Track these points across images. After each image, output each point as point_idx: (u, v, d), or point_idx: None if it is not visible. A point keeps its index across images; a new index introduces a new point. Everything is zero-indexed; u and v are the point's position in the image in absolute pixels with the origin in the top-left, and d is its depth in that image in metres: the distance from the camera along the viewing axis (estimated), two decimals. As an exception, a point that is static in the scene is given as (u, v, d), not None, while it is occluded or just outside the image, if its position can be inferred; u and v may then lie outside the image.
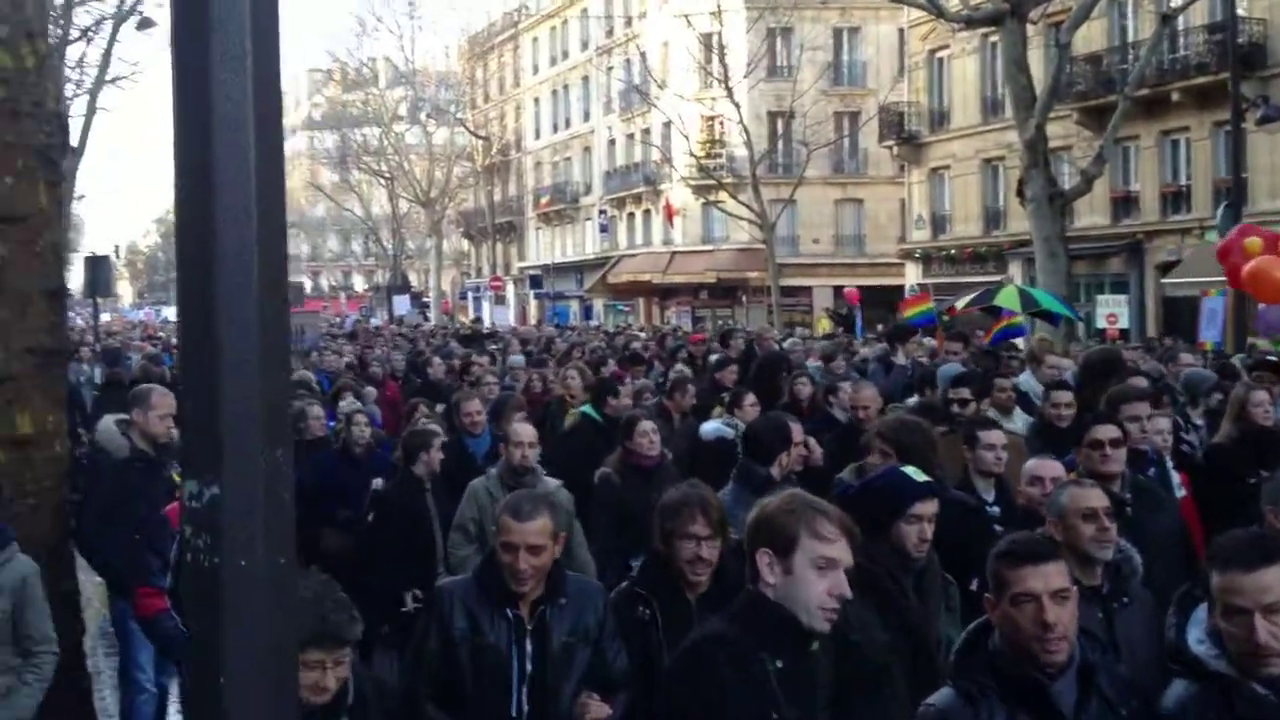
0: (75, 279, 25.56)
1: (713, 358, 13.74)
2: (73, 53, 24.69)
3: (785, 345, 16.20)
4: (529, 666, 3.97)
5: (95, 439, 7.06)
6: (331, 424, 9.40)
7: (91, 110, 27.21)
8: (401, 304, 50.30)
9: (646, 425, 7.20)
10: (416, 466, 7.23)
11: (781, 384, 9.88)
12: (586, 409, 9.18)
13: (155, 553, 5.45)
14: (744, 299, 45.04)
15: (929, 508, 4.02)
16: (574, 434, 9.00)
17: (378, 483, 7.92)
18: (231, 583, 1.69)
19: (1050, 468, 5.09)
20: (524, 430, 6.69)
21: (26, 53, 4.52)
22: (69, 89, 23.59)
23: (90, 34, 25.08)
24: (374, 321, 47.12)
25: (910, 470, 4.17)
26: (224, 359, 1.71)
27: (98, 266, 24.26)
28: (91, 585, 9.40)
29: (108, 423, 6.35)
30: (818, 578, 3.16)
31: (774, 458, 5.82)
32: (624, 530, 6.50)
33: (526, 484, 6.16)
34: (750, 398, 8.52)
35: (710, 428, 8.07)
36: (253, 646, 1.72)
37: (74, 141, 23.74)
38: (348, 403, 10.27)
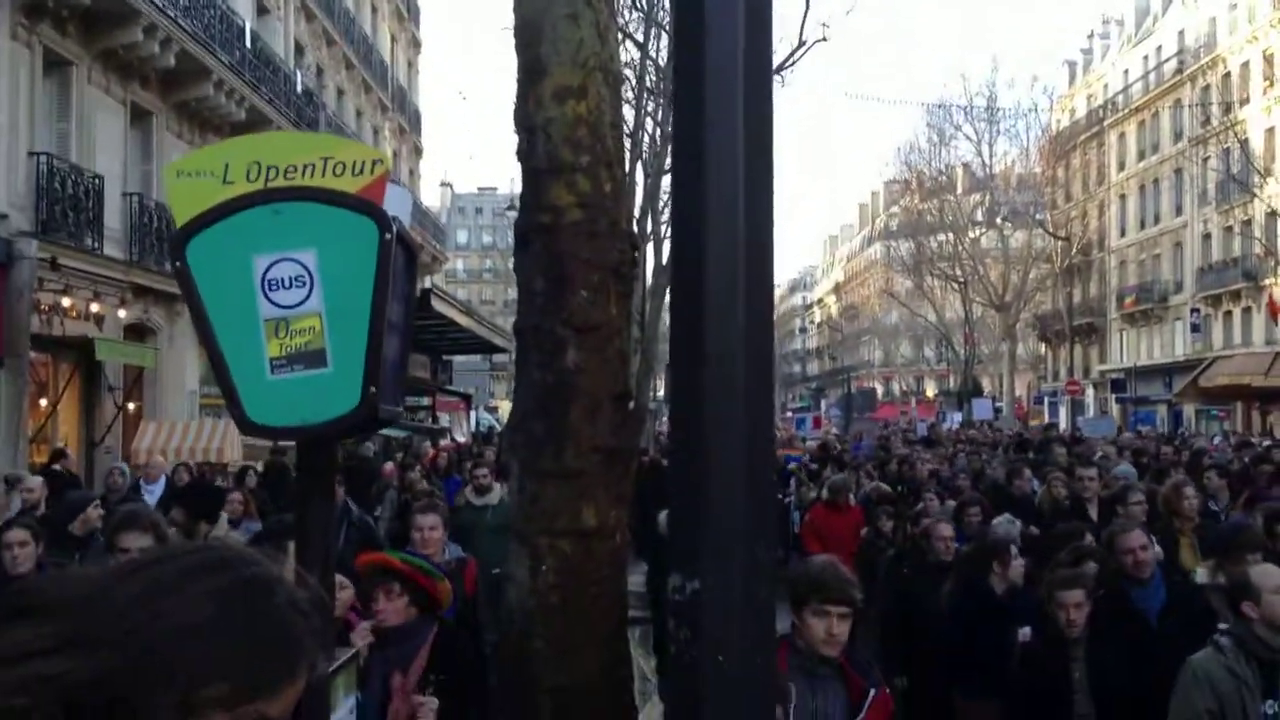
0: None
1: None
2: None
3: None
4: None
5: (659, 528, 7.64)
6: (959, 543, 8.11)
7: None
8: (982, 408, 49.22)
9: None
10: (1048, 624, 5.63)
11: None
12: None
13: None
14: (1368, 407, 39.41)
15: None
16: None
17: (1024, 633, 6.10)
18: (708, 678, 1.72)
19: None
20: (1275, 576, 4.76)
21: (605, 179, 5.00)
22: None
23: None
24: (946, 426, 46.63)
25: None
26: (710, 457, 1.76)
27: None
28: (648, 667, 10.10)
29: (665, 516, 6.79)
30: None
31: None
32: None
33: None
34: None
35: None
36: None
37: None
38: (1003, 521, 8.58)
